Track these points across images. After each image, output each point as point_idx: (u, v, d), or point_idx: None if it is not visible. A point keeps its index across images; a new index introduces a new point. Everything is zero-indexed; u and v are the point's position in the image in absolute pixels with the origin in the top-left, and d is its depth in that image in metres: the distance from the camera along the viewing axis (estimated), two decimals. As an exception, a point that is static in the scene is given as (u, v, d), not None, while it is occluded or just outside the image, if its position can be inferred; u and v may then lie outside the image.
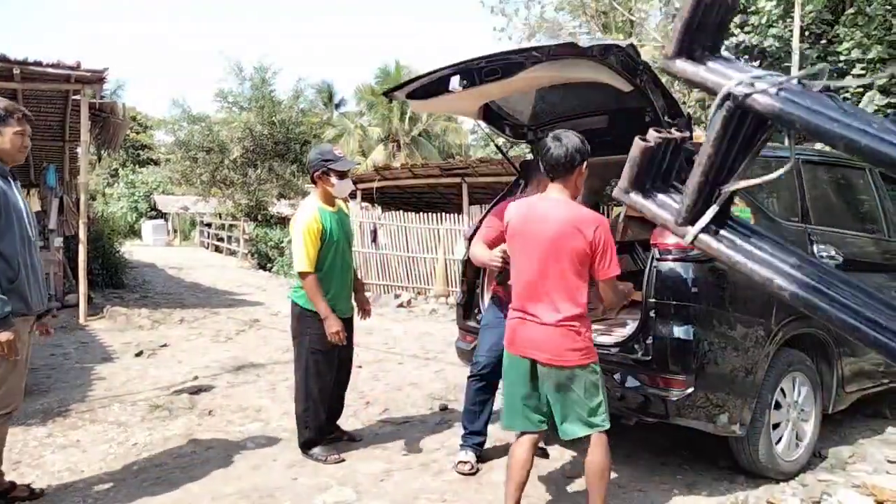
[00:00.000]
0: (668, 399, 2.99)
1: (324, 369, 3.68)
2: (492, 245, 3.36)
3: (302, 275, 3.54)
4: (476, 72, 3.21)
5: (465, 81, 3.26)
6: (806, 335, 3.43)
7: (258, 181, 19.66)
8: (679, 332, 2.97)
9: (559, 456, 3.70)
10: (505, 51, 3.20)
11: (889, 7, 10.34)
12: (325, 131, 28.91)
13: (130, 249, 15.32)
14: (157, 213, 34.65)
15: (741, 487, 3.29)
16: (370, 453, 3.82)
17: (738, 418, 3.11)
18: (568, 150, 2.58)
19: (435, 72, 3.36)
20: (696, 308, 3.00)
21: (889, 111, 9.31)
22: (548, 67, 3.01)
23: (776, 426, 3.34)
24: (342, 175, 3.66)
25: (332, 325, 3.52)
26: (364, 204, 14.67)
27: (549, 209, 2.63)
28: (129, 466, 3.60)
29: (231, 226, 21.62)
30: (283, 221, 20.07)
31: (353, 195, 15.13)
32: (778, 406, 3.34)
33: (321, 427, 3.75)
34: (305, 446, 3.72)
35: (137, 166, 37.96)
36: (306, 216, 3.57)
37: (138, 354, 6.43)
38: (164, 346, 6.92)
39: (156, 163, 38.10)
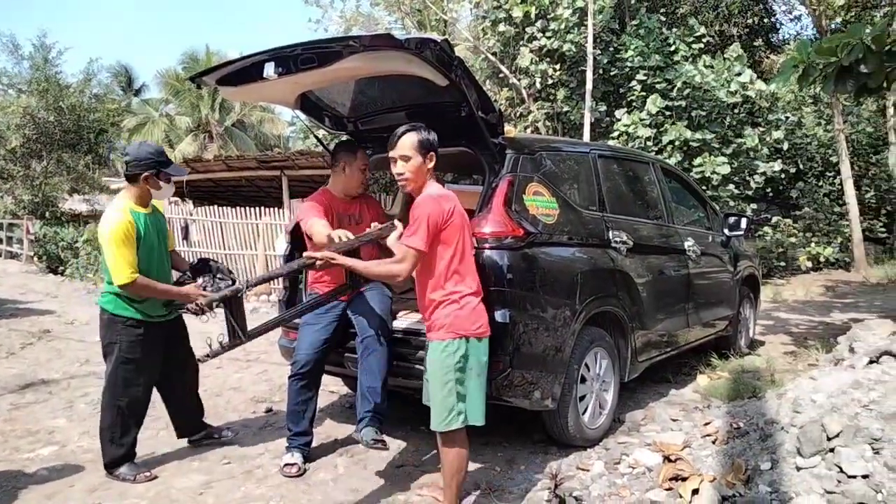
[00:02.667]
0: (489, 380, 3.14)
1: (133, 379, 3.37)
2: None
3: (128, 285, 3.17)
4: (292, 59, 3.10)
5: (280, 69, 3.14)
6: (605, 313, 3.79)
7: (44, 174, 17.38)
8: (496, 316, 3.12)
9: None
10: (322, 39, 3.13)
11: (663, 20, 11.77)
12: (125, 119, 26.35)
13: None
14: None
15: (554, 457, 3.56)
16: (186, 466, 3.56)
17: (550, 393, 3.36)
18: None
19: (248, 57, 3.19)
20: (512, 293, 3.18)
21: (668, 113, 10.61)
22: (365, 58, 2.99)
23: (582, 398, 3.67)
24: (169, 179, 3.45)
25: (188, 295, 3.28)
26: (173, 199, 13.60)
27: None
28: None
29: (11, 225, 18.87)
30: (77, 219, 17.96)
31: (159, 189, 13.97)
32: (583, 379, 3.66)
33: (131, 443, 3.44)
34: (111, 465, 3.37)
35: None
36: (117, 220, 3.19)
37: None
38: (-75, 367, 5.86)
39: None
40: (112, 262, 3.17)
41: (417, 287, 2.80)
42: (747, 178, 11.08)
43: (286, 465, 3.42)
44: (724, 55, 11.21)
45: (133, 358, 3.34)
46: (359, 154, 3.68)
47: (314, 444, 3.62)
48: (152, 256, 3.36)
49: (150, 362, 3.43)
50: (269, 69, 3.13)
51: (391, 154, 2.75)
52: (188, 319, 3.54)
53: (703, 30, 11.58)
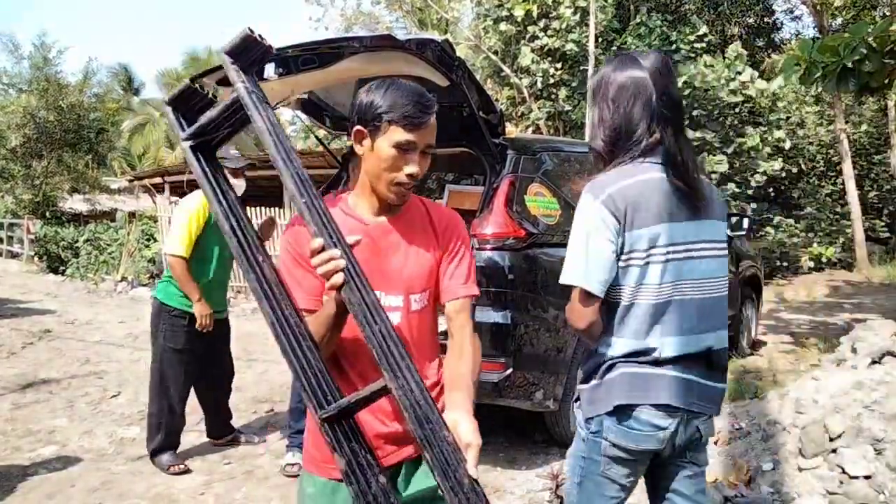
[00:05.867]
0: (490, 381, 3.14)
1: (177, 368, 3.48)
2: None
3: (173, 259, 3.36)
4: (292, 60, 3.09)
5: (280, 70, 3.13)
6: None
7: (45, 174, 17.37)
8: (498, 317, 3.12)
9: None
10: (322, 40, 3.12)
11: (667, 21, 11.75)
12: (125, 119, 26.35)
13: None
14: (-88, 212, 29.16)
15: (556, 458, 3.55)
16: (188, 466, 3.56)
17: (552, 394, 3.36)
18: None
19: (248, 58, 3.19)
20: (513, 294, 3.17)
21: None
22: (366, 59, 2.98)
23: (584, 398, 3.66)
24: (233, 174, 3.51)
25: (201, 310, 3.38)
26: (173, 198, 13.61)
27: None
28: None
29: (12, 224, 18.89)
30: (77, 218, 17.96)
31: (160, 189, 13.99)
32: (585, 380, 3.65)
33: (175, 431, 3.53)
34: (154, 452, 3.47)
35: None
36: (195, 201, 3.44)
37: None
38: (-74, 367, 5.86)
39: None
40: (174, 233, 3.42)
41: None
42: (748, 177, 11.07)
43: (287, 464, 3.42)
44: (725, 54, 11.20)
45: (175, 347, 3.48)
46: None
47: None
48: (222, 241, 3.42)
49: (192, 354, 3.54)
50: (270, 70, 3.12)
51: (412, 137, 1.34)
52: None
53: (704, 28, 11.56)
